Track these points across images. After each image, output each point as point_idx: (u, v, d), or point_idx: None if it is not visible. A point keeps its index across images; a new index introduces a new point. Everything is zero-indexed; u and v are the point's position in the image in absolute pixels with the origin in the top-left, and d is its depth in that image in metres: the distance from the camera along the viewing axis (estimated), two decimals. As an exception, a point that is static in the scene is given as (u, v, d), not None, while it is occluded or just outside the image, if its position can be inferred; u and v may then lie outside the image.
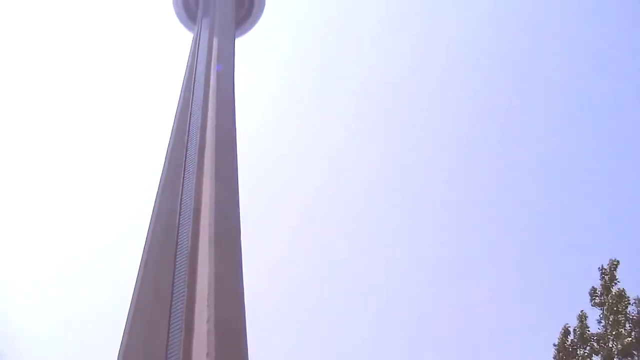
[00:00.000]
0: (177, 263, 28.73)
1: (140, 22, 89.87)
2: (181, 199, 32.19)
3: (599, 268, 24.32)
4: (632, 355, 22.87)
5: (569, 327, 23.82)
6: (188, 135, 36.62)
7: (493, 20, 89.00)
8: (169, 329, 25.79)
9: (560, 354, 24.40)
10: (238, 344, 25.19)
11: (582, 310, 24.02)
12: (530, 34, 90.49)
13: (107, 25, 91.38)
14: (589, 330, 23.55)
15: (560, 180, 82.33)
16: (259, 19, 56.33)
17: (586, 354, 23.79)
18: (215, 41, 46.55)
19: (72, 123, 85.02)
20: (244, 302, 26.94)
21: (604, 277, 24.05)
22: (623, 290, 23.73)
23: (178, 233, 30.09)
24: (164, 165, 34.97)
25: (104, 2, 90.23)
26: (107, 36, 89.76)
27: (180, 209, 31.22)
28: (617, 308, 23.40)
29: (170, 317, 26.24)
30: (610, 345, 23.21)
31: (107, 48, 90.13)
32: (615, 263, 24.13)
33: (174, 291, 27.32)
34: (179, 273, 28.38)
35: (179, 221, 31.02)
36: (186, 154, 34.67)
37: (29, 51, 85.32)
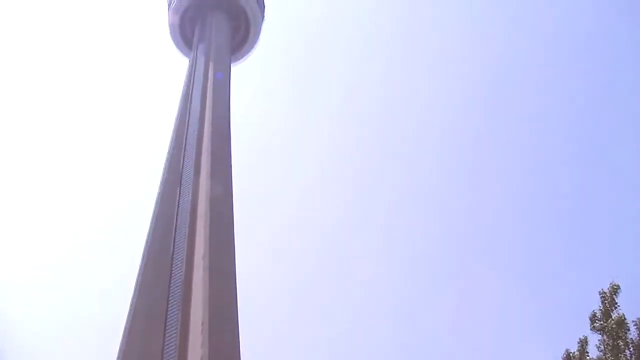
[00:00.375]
0: (171, 291, 28.50)
1: (138, 46, 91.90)
2: (176, 224, 31.95)
3: (599, 292, 24.03)
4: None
5: (571, 352, 23.45)
6: (184, 158, 36.51)
7: (488, 19, 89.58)
8: (163, 346, 25.55)
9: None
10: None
11: (584, 336, 23.68)
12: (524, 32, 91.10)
13: (106, 49, 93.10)
14: (588, 356, 23.21)
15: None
16: (255, 44, 56.53)
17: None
18: (211, 66, 46.60)
19: (74, 138, 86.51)
20: (238, 328, 26.62)
21: (604, 302, 23.77)
22: (623, 316, 23.40)
23: (173, 254, 29.91)
24: (160, 188, 34.85)
25: (104, 24, 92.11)
26: (105, 59, 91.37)
27: (176, 230, 31.07)
28: (617, 333, 23.09)
29: (165, 334, 26.01)
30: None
31: (106, 69, 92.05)
32: (615, 287, 23.83)
33: (169, 314, 27.06)
34: (173, 299, 28.14)
35: (173, 250, 30.88)
36: (182, 176, 34.59)
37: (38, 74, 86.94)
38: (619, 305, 23.70)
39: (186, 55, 53.86)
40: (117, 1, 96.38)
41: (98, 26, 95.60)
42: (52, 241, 74.99)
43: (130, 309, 27.40)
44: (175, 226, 31.10)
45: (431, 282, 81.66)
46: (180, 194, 33.40)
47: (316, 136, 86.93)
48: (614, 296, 23.81)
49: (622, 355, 23.16)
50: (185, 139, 38.12)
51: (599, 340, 23.42)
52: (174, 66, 56.81)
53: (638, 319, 23.20)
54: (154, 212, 32.57)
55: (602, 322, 23.57)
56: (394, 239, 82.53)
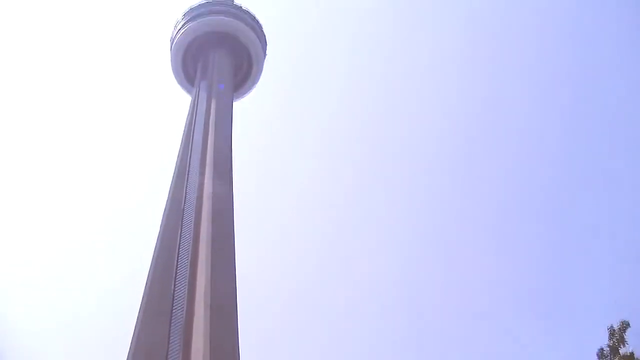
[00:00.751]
0: (171, 331, 28.23)
1: (140, 82, 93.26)
2: (176, 273, 31.70)
3: (607, 328, 23.56)
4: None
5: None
6: (185, 198, 36.31)
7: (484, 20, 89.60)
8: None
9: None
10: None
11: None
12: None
13: (108, 83, 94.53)
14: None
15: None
16: (257, 81, 56.72)
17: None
18: (213, 103, 46.64)
19: (77, 150, 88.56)
20: None
21: (612, 338, 23.27)
22: (632, 354, 22.87)
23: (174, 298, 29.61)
24: (161, 227, 34.65)
25: (105, 59, 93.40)
26: (107, 92, 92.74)
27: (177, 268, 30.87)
28: (627, 371, 22.57)
29: None
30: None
31: (112, 94, 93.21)
32: (625, 324, 23.34)
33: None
34: (174, 340, 27.82)
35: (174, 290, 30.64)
36: (183, 218, 34.38)
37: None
38: (628, 344, 23.22)
39: (188, 91, 54.03)
40: (121, 35, 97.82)
41: (104, 59, 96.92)
42: (52, 244, 77.04)
43: (130, 350, 27.09)
44: (176, 270, 30.83)
45: (427, 281, 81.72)
46: (181, 233, 33.17)
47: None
48: (623, 333, 23.34)
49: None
50: (187, 180, 37.90)
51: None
52: (177, 95, 57.02)
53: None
54: (154, 254, 32.33)
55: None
56: (392, 239, 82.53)
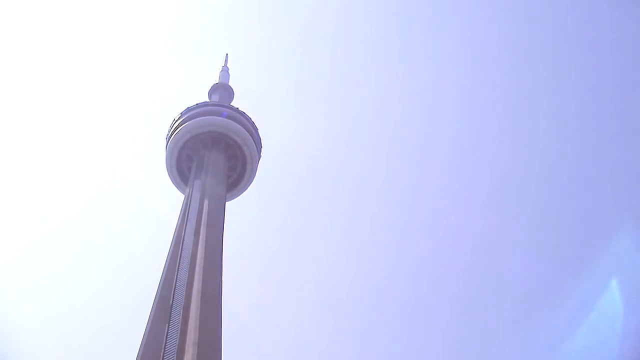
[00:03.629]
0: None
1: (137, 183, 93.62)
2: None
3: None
4: None
5: None
6: (174, 297, 35.52)
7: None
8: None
9: None
10: None
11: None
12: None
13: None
14: None
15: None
16: (251, 182, 56.71)
17: None
18: (205, 203, 46.29)
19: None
20: None
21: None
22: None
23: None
24: (147, 326, 33.69)
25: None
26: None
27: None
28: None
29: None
30: None
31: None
32: None
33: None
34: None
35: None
36: (170, 315, 33.51)
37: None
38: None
39: (181, 190, 53.77)
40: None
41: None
42: (49, 240, 78.02)
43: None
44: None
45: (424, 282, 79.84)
46: (167, 332, 32.21)
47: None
48: None
49: None
50: (175, 281, 37.14)
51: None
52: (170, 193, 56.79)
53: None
54: (140, 351, 31.31)
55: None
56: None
